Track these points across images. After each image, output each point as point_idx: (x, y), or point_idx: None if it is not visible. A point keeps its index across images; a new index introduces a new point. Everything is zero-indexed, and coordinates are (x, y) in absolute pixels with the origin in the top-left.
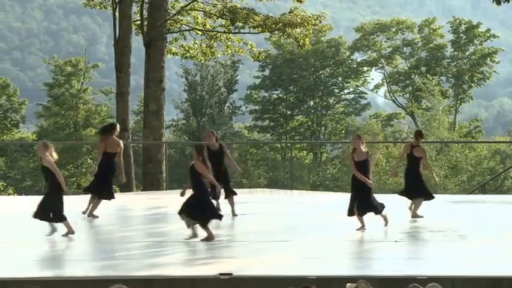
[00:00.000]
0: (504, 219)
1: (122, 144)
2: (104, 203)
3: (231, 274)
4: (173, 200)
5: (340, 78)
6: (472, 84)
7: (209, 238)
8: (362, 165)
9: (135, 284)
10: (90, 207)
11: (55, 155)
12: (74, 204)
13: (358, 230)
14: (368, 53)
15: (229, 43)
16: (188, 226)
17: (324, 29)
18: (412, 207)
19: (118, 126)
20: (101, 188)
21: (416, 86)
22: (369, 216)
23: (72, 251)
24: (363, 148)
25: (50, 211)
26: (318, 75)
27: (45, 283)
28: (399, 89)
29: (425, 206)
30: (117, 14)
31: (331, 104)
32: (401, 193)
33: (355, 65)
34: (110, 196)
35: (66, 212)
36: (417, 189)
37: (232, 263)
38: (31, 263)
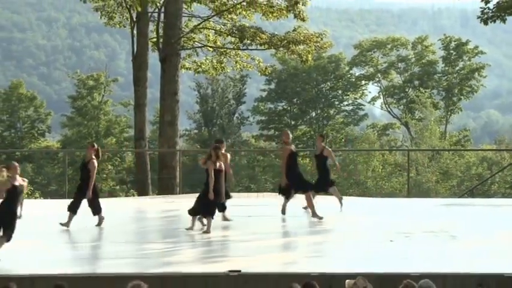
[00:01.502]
0: (491, 221)
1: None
2: (121, 206)
3: (239, 271)
4: (186, 203)
5: (340, 91)
6: (461, 97)
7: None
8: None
9: (151, 281)
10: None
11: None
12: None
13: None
14: (365, 68)
15: (238, 59)
16: None
17: (325, 46)
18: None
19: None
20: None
21: (410, 98)
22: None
23: (94, 250)
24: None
25: None
26: (319, 89)
27: (70, 279)
28: (394, 101)
29: (418, 209)
30: (135, 32)
31: (331, 115)
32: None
33: (353, 79)
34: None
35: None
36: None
37: (240, 261)
38: (57, 261)
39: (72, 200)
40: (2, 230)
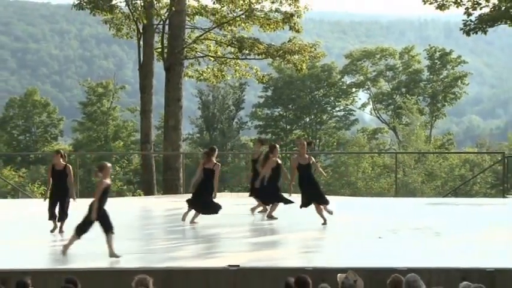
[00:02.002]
0: (473, 219)
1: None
2: (128, 205)
3: (238, 266)
4: None
5: (332, 98)
6: (445, 103)
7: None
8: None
9: (156, 275)
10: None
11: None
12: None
13: None
14: (356, 76)
15: (237, 68)
16: None
17: (318, 56)
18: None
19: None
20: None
21: (397, 104)
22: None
23: (102, 246)
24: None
25: None
26: (313, 95)
27: (81, 273)
28: (383, 107)
29: (405, 208)
30: (141, 43)
31: (324, 120)
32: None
33: (345, 87)
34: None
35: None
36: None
37: (239, 256)
38: (68, 257)
39: (50, 206)
40: (103, 227)
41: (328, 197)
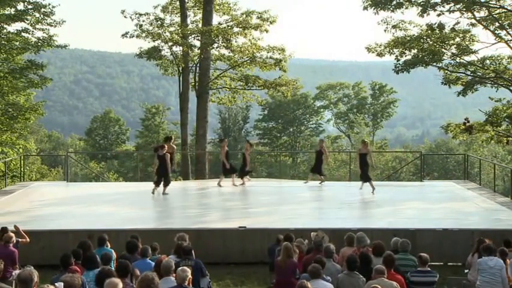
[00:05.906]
0: (401, 195)
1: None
2: (172, 186)
3: (245, 227)
4: (212, 184)
5: (307, 115)
6: (382, 119)
7: None
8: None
9: (190, 233)
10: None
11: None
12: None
13: None
14: (323, 101)
15: (244, 95)
16: None
17: (298, 87)
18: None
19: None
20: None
21: (350, 120)
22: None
23: (155, 214)
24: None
25: None
26: (295, 114)
27: (141, 232)
28: (341, 122)
29: (356, 188)
30: (181, 79)
31: (302, 130)
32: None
33: (316, 108)
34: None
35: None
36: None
37: (246, 220)
38: (131, 221)
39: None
40: None
41: (303, 182)
